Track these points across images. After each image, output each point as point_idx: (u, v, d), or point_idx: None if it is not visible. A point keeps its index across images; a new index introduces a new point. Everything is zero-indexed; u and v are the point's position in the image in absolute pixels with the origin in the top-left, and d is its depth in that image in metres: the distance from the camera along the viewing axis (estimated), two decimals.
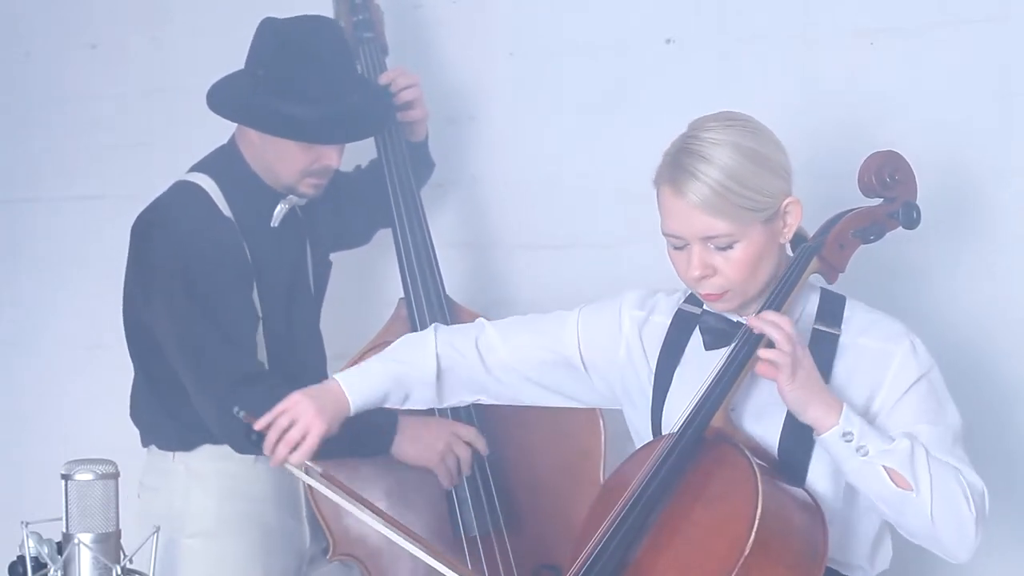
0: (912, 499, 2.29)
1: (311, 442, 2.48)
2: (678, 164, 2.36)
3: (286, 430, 2.49)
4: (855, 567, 2.44)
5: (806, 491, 2.36)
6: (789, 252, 2.50)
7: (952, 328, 2.96)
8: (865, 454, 2.29)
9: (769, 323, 2.33)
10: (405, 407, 2.65)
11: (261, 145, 2.94)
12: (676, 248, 2.41)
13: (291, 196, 2.99)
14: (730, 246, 2.37)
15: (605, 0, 3.31)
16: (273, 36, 2.91)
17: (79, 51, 3.85)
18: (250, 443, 2.51)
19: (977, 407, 2.93)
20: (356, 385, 2.56)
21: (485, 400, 2.68)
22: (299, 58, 2.87)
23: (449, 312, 3.05)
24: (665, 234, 2.41)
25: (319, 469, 2.49)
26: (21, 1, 3.93)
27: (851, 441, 2.29)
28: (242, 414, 2.51)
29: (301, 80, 2.87)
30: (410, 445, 2.91)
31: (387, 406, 2.62)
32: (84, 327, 3.73)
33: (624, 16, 3.29)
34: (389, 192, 3.10)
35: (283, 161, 2.93)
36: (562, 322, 2.62)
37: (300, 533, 3.06)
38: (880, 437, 2.31)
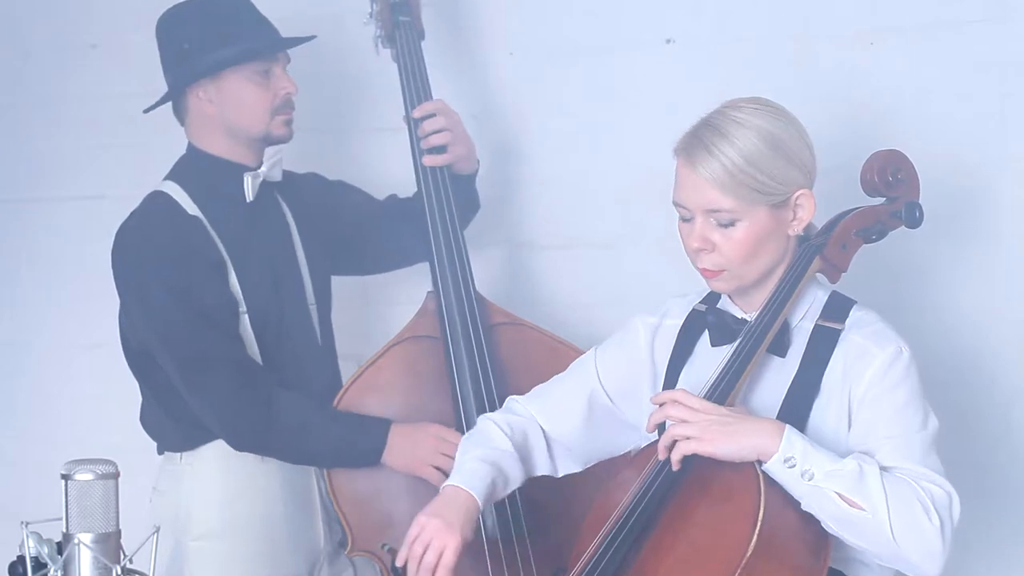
0: (869, 520, 2.25)
1: (448, 559, 2.39)
2: (697, 137, 2.38)
3: (422, 557, 2.40)
4: (856, 562, 2.41)
5: None
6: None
7: (954, 327, 2.96)
8: (811, 478, 2.25)
9: (669, 403, 2.33)
10: (509, 492, 2.56)
11: (220, 113, 2.99)
12: (683, 219, 2.42)
13: (260, 169, 3.02)
14: (732, 223, 2.37)
15: (605, 0, 3.31)
16: (177, 18, 3.01)
17: (79, 51, 3.85)
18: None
19: (977, 406, 2.94)
20: (470, 480, 2.46)
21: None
22: (214, 14, 2.97)
23: (478, 308, 3.03)
24: (674, 203, 2.42)
25: None
26: (21, 1, 3.93)
27: (794, 466, 2.25)
28: (387, 548, 2.68)
29: (227, 25, 2.97)
30: (397, 456, 2.91)
31: (498, 496, 2.54)
32: (84, 327, 3.72)
33: (624, 16, 3.30)
34: (421, 184, 3.10)
35: (247, 109, 2.99)
36: (581, 365, 2.62)
37: (313, 531, 3.05)
38: (828, 457, 2.26)
